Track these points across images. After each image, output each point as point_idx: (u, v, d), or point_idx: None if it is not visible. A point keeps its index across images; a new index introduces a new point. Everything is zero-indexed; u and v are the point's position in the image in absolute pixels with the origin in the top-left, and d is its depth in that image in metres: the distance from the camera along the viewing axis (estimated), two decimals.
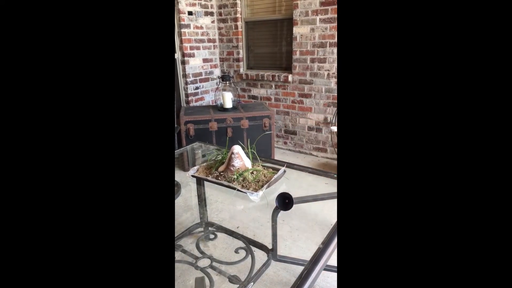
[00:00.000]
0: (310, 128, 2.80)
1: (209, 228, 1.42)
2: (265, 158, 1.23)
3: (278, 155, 2.87)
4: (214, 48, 3.10)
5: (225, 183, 1.04)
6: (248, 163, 1.11)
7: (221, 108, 2.58)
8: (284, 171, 1.12)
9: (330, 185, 2.27)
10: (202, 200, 1.40)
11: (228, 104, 2.56)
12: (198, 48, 2.91)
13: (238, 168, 1.07)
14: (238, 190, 1.01)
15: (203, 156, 1.84)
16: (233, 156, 1.07)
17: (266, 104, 2.91)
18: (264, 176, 1.09)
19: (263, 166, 1.16)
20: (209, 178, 1.09)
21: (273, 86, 2.91)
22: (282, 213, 0.92)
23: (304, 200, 0.96)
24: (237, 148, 1.08)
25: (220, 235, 1.39)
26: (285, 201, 0.92)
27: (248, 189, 1.00)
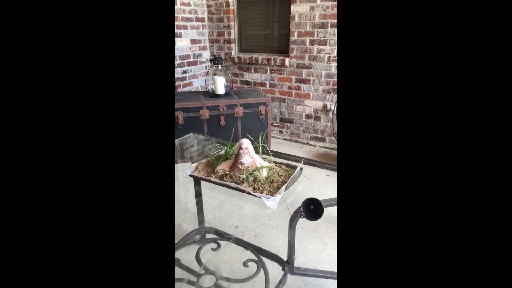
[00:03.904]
0: (307, 116, 2.63)
1: (208, 233, 1.23)
2: (269, 151, 1.05)
3: (273, 144, 2.70)
4: (203, 28, 2.84)
5: (233, 185, 0.85)
6: (258, 160, 0.92)
7: (213, 94, 2.35)
8: (301, 169, 0.94)
9: (331, 177, 2.13)
10: (200, 202, 1.20)
11: (221, 90, 2.33)
12: (185, 27, 2.64)
13: (248, 167, 0.88)
14: (249, 193, 0.82)
15: (192, 146, 1.64)
16: (241, 152, 0.88)
17: (261, 90, 2.70)
18: (278, 175, 0.91)
19: (275, 163, 0.98)
20: (212, 178, 0.90)
21: (268, 71, 2.70)
22: (279, 209, 0.76)
23: (331, 203, 0.79)
24: (246, 143, 0.89)
25: (223, 243, 1.20)
26: (309, 208, 0.74)
27: (262, 192, 0.82)
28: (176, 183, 2.12)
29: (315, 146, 2.66)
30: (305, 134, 2.69)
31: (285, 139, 2.81)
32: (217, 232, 1.26)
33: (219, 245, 1.10)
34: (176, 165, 2.31)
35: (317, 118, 2.58)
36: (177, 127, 2.21)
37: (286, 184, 0.84)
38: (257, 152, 0.98)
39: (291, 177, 0.88)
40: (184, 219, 1.65)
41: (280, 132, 2.83)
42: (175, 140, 1.44)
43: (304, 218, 0.73)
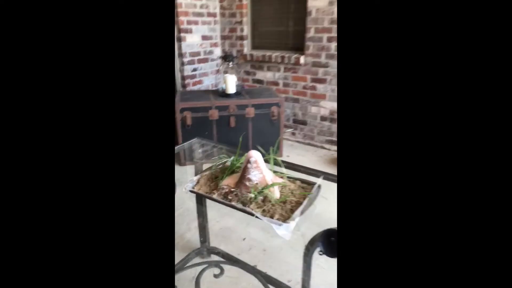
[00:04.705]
0: (323, 118, 2.47)
1: (211, 253, 1.11)
2: (284, 162, 0.92)
3: (285, 147, 2.56)
4: (214, 24, 2.71)
5: (239, 206, 0.73)
6: (269, 175, 0.79)
7: (223, 94, 2.23)
8: (319, 187, 0.81)
9: None
10: (203, 218, 1.08)
11: (231, 89, 2.21)
12: (196, 22, 2.53)
13: (257, 184, 0.75)
14: (257, 217, 0.70)
15: (202, 145, 1.53)
16: (249, 166, 0.75)
17: (274, 90, 2.56)
18: (292, 193, 0.78)
19: (288, 178, 0.84)
20: (215, 196, 0.77)
21: (282, 69, 2.55)
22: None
23: None
24: (255, 155, 0.76)
25: (227, 267, 1.05)
26: (330, 240, 0.61)
27: (272, 217, 0.69)
28: (180, 188, 2.02)
29: (330, 150, 2.50)
30: (320, 137, 2.54)
31: (298, 141, 2.67)
32: (220, 253, 1.14)
33: (222, 270, 0.97)
34: (184, 167, 2.21)
35: (333, 120, 2.42)
36: (185, 127, 2.11)
37: (301, 208, 0.71)
38: (266, 161, 0.85)
39: (307, 198, 0.74)
40: (188, 228, 1.54)
41: (293, 134, 2.69)
42: (184, 144, 1.33)
43: (323, 255, 0.60)
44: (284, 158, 2.36)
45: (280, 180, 0.81)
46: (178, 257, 1.30)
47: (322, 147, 2.54)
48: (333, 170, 1.83)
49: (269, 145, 2.27)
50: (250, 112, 2.14)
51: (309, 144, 2.61)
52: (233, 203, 0.74)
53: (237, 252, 1.40)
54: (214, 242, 1.46)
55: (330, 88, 2.36)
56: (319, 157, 2.39)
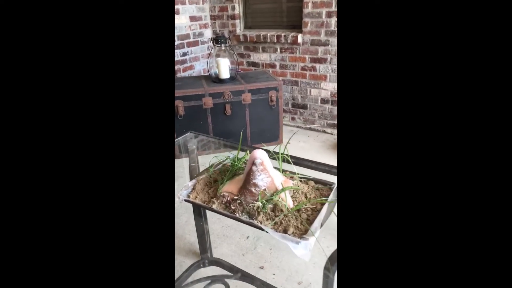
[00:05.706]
0: (323, 101, 2.33)
1: (213, 265, 1.00)
2: (293, 157, 0.79)
3: (285, 133, 2.43)
4: (203, 3, 2.50)
5: (245, 218, 0.60)
6: (278, 178, 0.66)
7: (216, 79, 2.07)
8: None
9: None
10: (202, 228, 0.96)
11: (225, 74, 2.05)
12: (183, 2, 2.32)
13: (264, 189, 0.62)
14: (267, 231, 0.57)
15: (196, 136, 1.40)
16: (255, 168, 0.62)
17: (271, 73, 2.40)
18: (306, 197, 0.66)
19: (301, 178, 0.72)
20: (215, 206, 0.65)
21: (278, 50, 2.38)
22: None
23: None
24: (260, 156, 0.63)
25: (232, 282, 0.94)
26: None
27: (286, 230, 0.57)
28: (176, 184, 1.89)
29: (332, 134, 2.38)
30: (321, 121, 2.41)
31: (298, 126, 2.53)
32: (223, 265, 1.02)
33: (227, 287, 0.86)
34: (180, 160, 2.08)
35: (334, 102, 2.28)
36: (178, 118, 1.96)
37: (321, 218, 0.58)
38: (271, 157, 0.72)
39: (325, 205, 0.62)
40: (188, 231, 1.43)
41: (293, 119, 2.55)
42: (179, 139, 1.19)
43: None
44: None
45: (291, 183, 0.68)
46: (177, 263, 1.20)
47: (324, 132, 2.42)
48: None
49: (268, 132, 2.14)
50: (247, 98, 1.99)
51: (309, 129, 2.48)
52: (237, 214, 0.61)
53: (242, 252, 1.30)
54: (216, 242, 1.35)
55: (331, 68, 2.20)
56: (322, 142, 2.27)
